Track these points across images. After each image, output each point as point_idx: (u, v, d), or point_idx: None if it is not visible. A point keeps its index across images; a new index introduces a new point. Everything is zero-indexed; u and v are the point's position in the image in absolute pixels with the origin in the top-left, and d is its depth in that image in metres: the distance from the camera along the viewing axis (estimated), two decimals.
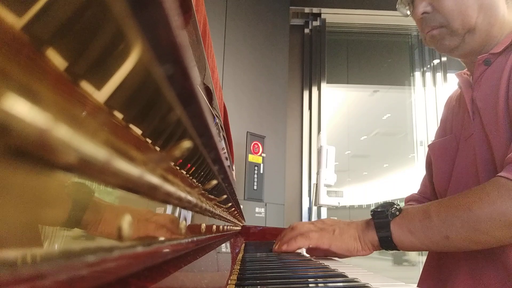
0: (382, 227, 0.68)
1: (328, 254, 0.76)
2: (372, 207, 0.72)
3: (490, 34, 0.70)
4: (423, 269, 0.83)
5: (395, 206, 0.69)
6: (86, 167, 0.10)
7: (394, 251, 0.70)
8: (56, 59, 0.10)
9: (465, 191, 0.61)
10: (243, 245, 1.15)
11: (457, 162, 0.75)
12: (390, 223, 0.67)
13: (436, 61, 2.94)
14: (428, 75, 2.97)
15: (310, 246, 0.73)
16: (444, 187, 0.78)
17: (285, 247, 0.76)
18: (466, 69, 0.81)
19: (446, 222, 0.60)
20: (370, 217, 0.72)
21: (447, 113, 0.87)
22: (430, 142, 0.89)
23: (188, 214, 0.30)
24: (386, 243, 0.67)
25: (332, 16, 2.94)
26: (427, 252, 0.82)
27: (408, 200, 0.96)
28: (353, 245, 0.71)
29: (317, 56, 2.88)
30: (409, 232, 0.65)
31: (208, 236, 0.42)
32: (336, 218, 0.84)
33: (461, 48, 0.72)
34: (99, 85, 0.12)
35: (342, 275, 0.50)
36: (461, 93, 0.81)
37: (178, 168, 0.25)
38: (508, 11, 0.71)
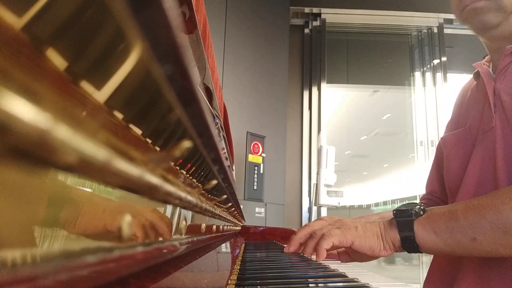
0: (405, 226, 0.64)
1: (352, 258, 0.73)
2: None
3: None
4: (428, 271, 0.81)
5: (419, 205, 0.65)
6: (86, 167, 0.10)
7: (415, 253, 0.66)
8: (56, 59, 0.10)
9: (493, 192, 0.58)
10: (243, 245, 1.15)
11: (473, 157, 0.71)
12: (414, 222, 0.63)
13: (436, 61, 2.94)
14: (428, 75, 2.97)
15: (333, 243, 0.68)
16: (456, 184, 0.74)
17: (312, 256, 0.71)
18: (485, 59, 0.77)
19: (473, 224, 0.57)
20: (392, 216, 0.68)
21: (461, 106, 0.82)
22: (431, 141, 0.87)
23: (188, 214, 0.30)
24: (408, 244, 0.64)
25: (332, 16, 2.94)
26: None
27: (422, 199, 0.93)
28: (376, 243, 0.67)
29: (317, 56, 2.88)
30: (433, 232, 0.61)
31: (208, 236, 0.42)
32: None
33: (500, 28, 0.67)
34: (99, 85, 0.12)
35: (342, 275, 0.50)
36: (478, 84, 0.77)
37: (178, 168, 0.25)
38: None
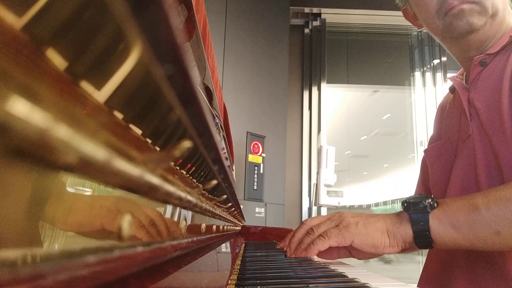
0: (419, 220, 0.60)
1: (352, 254, 0.68)
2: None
3: (500, 28, 0.71)
4: (422, 273, 0.81)
5: (431, 197, 0.61)
6: (86, 167, 0.10)
7: (426, 249, 0.62)
8: (56, 59, 0.10)
9: None
10: (243, 245, 1.15)
11: (455, 165, 0.73)
12: (429, 216, 0.59)
13: (436, 61, 2.94)
14: (428, 75, 2.97)
15: (330, 246, 0.64)
16: (441, 193, 0.76)
17: (304, 254, 0.67)
18: (458, 72, 0.82)
19: (498, 216, 0.54)
20: (401, 209, 0.64)
21: (440, 119, 0.86)
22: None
23: (188, 214, 0.30)
24: (422, 239, 0.60)
25: (332, 16, 2.94)
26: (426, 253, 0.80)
27: None
28: (380, 239, 0.62)
29: (317, 56, 2.88)
30: (451, 226, 0.57)
31: (208, 236, 0.42)
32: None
33: (481, 31, 0.70)
34: (99, 85, 0.12)
35: (342, 275, 0.50)
36: (454, 96, 0.81)
37: (178, 168, 0.25)
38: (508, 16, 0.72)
